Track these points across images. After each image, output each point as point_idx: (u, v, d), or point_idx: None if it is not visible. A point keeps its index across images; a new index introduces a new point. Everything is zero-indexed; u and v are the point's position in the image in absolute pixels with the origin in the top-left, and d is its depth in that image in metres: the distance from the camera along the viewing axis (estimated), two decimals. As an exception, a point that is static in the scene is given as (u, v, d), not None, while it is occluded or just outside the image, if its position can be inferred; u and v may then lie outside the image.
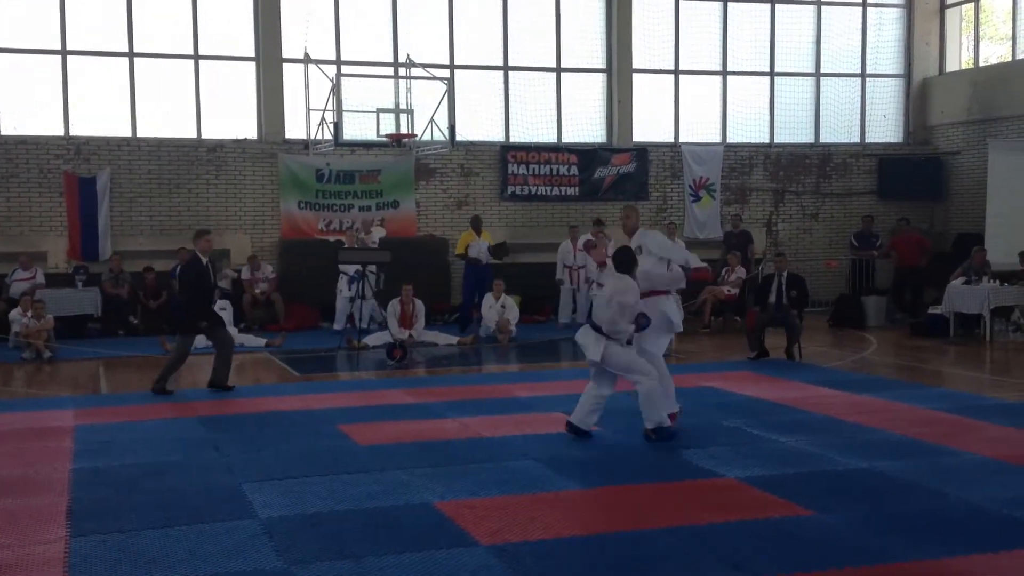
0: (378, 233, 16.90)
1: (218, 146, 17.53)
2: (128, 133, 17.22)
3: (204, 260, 11.09)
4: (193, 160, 17.39)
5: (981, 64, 20.55)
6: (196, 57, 17.50)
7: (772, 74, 20.50)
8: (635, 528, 6.01)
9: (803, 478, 7.15)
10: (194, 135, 17.54)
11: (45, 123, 16.91)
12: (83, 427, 9.14)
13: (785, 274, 13.45)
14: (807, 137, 20.81)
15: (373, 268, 15.06)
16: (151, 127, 17.32)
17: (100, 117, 17.09)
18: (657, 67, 19.81)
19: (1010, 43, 19.97)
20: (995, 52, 20.73)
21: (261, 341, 14.88)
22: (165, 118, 17.36)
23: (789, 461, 7.58)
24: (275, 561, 5.50)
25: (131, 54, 17.19)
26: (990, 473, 7.19)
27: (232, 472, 7.42)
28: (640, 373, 8.20)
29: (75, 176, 16.74)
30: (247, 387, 11.71)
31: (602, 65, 19.60)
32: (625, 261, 8.32)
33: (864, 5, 20.97)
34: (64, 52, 16.91)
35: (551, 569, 5.39)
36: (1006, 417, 9.21)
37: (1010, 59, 19.87)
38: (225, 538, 5.87)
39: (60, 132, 16.95)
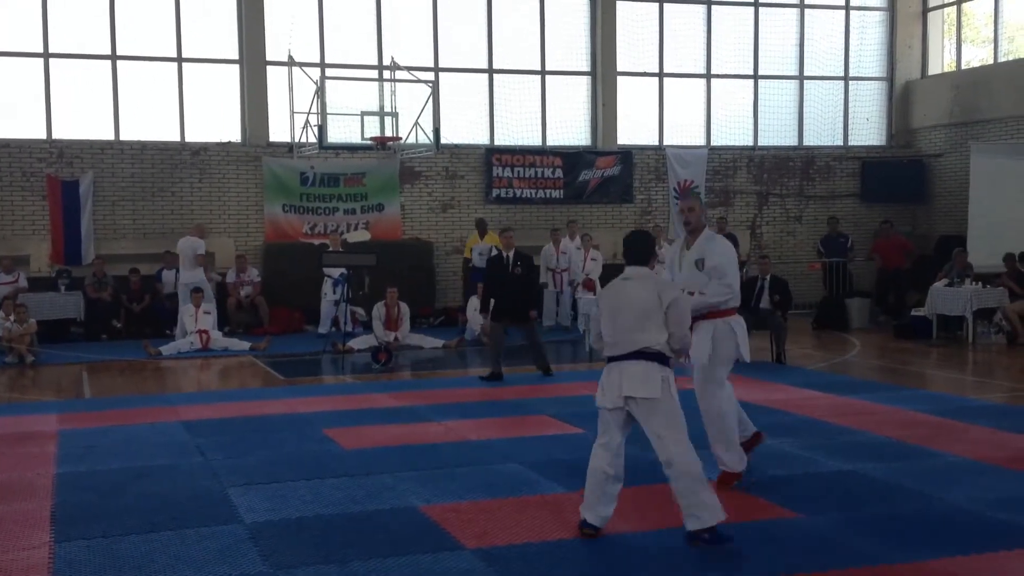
0: (361, 236, 16.93)
1: (202, 149, 17.48)
2: (111, 136, 17.16)
3: (505, 255, 12.24)
4: (177, 163, 17.33)
5: (963, 67, 20.67)
6: (179, 60, 17.45)
7: (756, 77, 20.58)
8: (621, 531, 6.01)
9: (788, 480, 7.17)
10: (177, 138, 17.50)
11: (27, 126, 16.83)
12: (67, 432, 9.10)
13: (768, 277, 13.57)
14: (790, 140, 20.90)
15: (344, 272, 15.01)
16: (134, 130, 17.26)
17: (83, 120, 17.03)
18: (641, 70, 19.87)
19: (991, 46, 20.09)
20: (977, 55, 20.84)
21: (246, 345, 14.84)
22: (148, 121, 17.31)
23: (774, 463, 7.60)
24: (260, 566, 5.49)
25: (114, 57, 17.13)
26: (973, 475, 7.22)
27: (217, 476, 7.40)
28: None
29: (58, 179, 16.66)
30: (232, 391, 11.69)
31: (587, 68, 19.64)
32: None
33: (847, 8, 21.08)
34: (46, 55, 16.84)
35: (537, 572, 5.39)
36: (988, 419, 9.25)
37: (992, 62, 19.99)
38: (210, 543, 5.85)
39: (43, 135, 16.88)
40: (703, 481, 5.71)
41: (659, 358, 5.74)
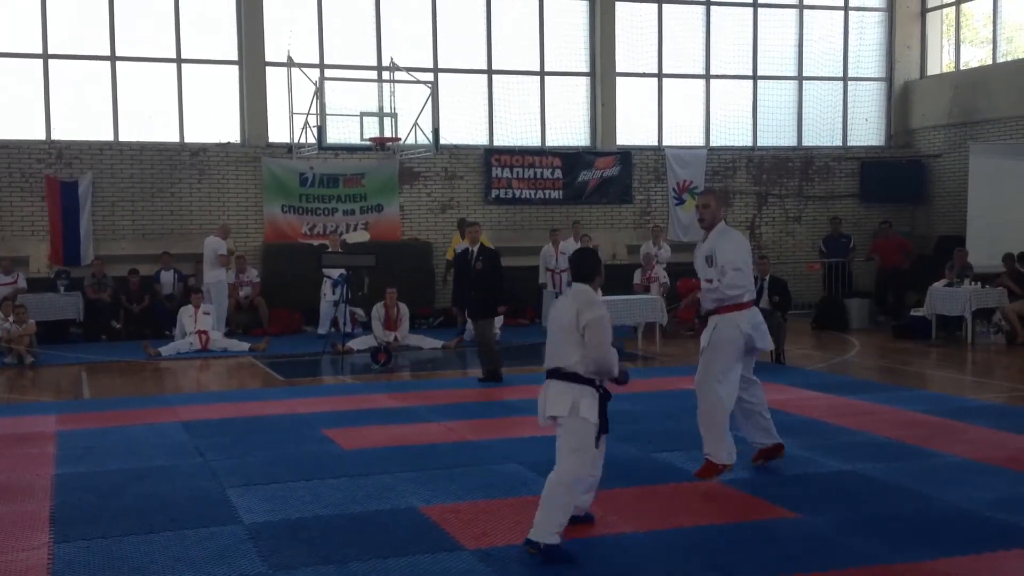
0: (360, 237, 16.95)
1: (201, 150, 17.48)
2: (110, 137, 17.16)
3: (471, 249, 11.83)
4: (176, 164, 17.33)
5: (962, 67, 20.68)
6: (179, 61, 17.45)
7: (755, 78, 20.59)
8: (619, 532, 6.01)
9: (787, 481, 7.17)
10: (177, 139, 17.50)
11: (27, 127, 16.84)
12: (65, 432, 9.10)
13: (768, 278, 13.57)
14: (790, 140, 20.91)
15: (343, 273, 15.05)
16: (133, 131, 17.26)
17: (82, 121, 17.03)
18: (640, 71, 19.87)
19: (990, 47, 20.10)
20: (976, 55, 20.86)
21: (245, 346, 14.85)
22: (147, 122, 17.32)
23: (773, 464, 7.59)
24: (260, 566, 5.49)
25: (113, 58, 17.14)
26: (972, 475, 7.22)
27: (216, 477, 7.40)
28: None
29: (57, 180, 16.66)
30: (231, 392, 11.69)
31: (586, 69, 19.64)
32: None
33: (846, 9, 21.09)
34: (46, 56, 16.84)
35: (537, 572, 5.39)
36: (987, 419, 9.26)
37: (990, 62, 20.00)
38: (209, 544, 5.85)
39: (42, 136, 16.88)
40: (565, 505, 5.61)
41: (575, 378, 5.64)
